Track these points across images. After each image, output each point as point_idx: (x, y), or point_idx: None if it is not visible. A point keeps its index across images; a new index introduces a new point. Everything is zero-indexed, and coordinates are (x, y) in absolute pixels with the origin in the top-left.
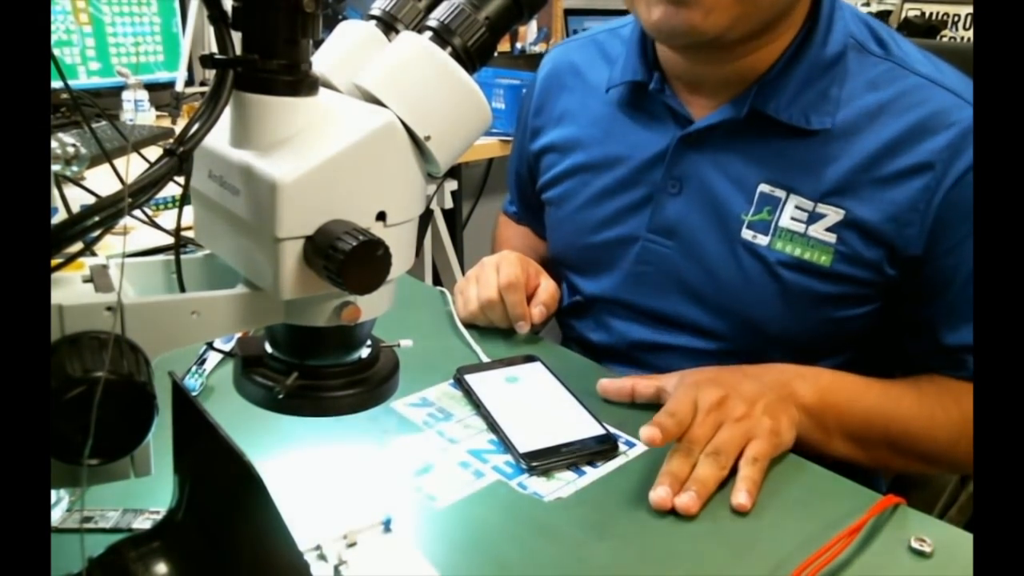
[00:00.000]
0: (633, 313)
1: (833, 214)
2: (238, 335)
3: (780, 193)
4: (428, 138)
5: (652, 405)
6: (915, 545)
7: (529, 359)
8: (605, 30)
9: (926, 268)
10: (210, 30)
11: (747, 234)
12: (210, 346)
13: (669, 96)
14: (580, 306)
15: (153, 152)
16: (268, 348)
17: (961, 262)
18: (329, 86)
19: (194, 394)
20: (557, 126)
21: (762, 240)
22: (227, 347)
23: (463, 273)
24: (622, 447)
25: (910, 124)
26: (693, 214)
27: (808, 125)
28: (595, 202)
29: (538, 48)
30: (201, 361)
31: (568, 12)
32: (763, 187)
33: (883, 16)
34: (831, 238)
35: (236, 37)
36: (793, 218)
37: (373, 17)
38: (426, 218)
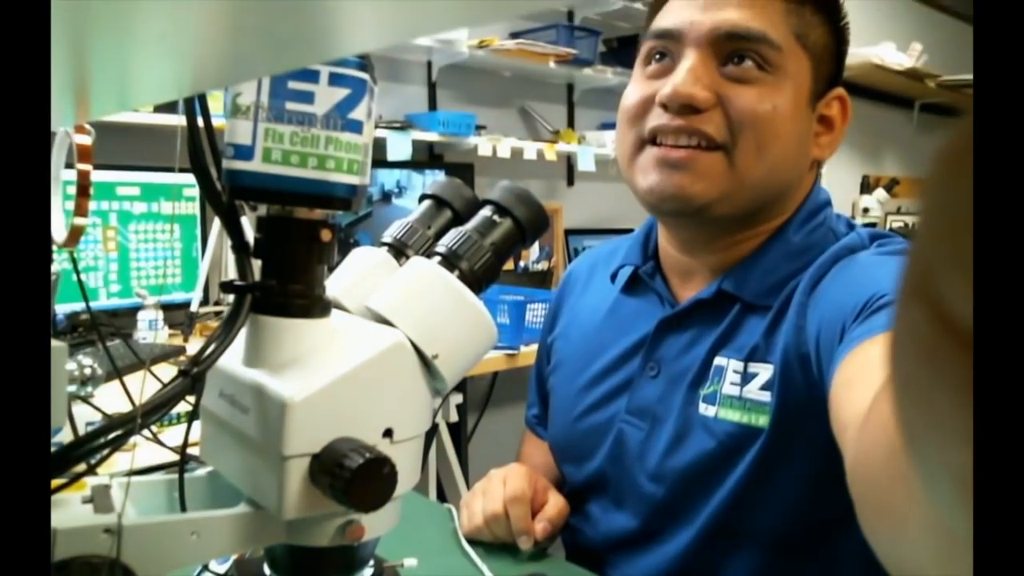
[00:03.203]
0: (610, 502)
1: (763, 372)
2: (235, 556)
3: (723, 361)
4: (436, 356)
5: None
6: None
7: None
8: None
9: (820, 338)
10: (227, 254)
11: (702, 407)
12: (205, 568)
13: (658, 282)
14: (570, 497)
15: (164, 369)
16: (267, 570)
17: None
18: (340, 307)
19: None
20: (567, 317)
21: (711, 412)
22: (222, 568)
23: (468, 487)
24: None
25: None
26: (665, 395)
27: (763, 302)
28: (584, 390)
29: (540, 266)
30: None
31: (568, 232)
32: (716, 360)
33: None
34: (765, 396)
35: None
36: (731, 382)
37: (385, 244)
38: (431, 432)
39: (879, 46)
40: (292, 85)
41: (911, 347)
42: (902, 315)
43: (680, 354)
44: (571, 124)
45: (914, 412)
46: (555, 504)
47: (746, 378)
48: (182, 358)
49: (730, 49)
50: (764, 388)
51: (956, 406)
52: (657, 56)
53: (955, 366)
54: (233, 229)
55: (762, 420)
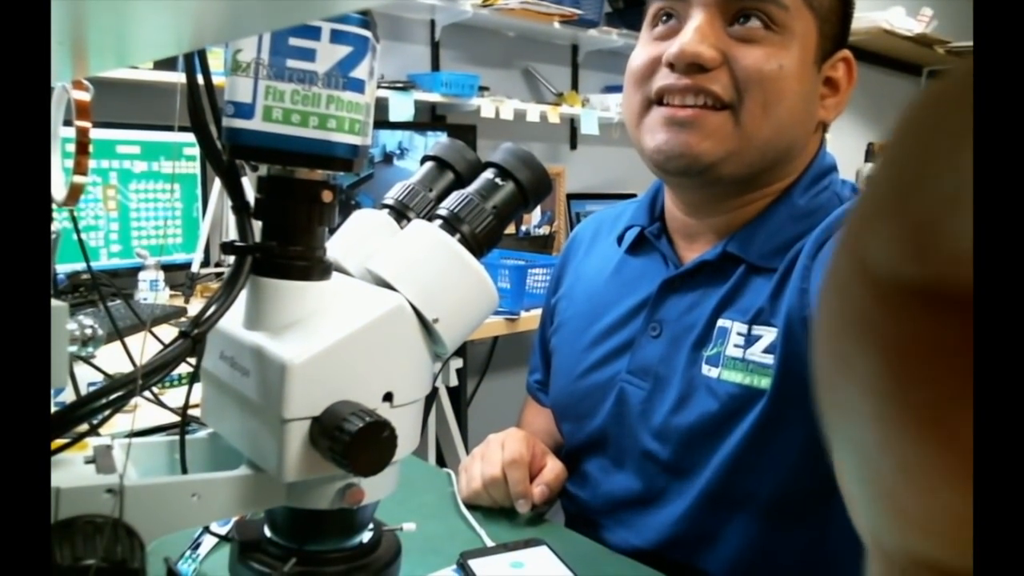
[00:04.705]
0: (610, 461)
1: (767, 335)
2: (236, 518)
3: (727, 323)
4: (436, 320)
5: None
6: None
7: (535, 543)
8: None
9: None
10: (228, 214)
11: (705, 368)
12: (206, 529)
13: (663, 243)
14: (568, 459)
15: (164, 330)
16: (267, 532)
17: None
18: (341, 270)
19: None
20: (571, 278)
21: (714, 373)
22: (223, 531)
23: (467, 452)
24: None
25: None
26: (668, 355)
27: (768, 264)
28: (586, 349)
29: (542, 231)
30: (195, 545)
31: (571, 196)
32: (720, 321)
33: None
34: (768, 359)
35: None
36: (735, 344)
37: (386, 206)
38: (431, 397)
39: (888, 11)
40: (293, 42)
41: (832, 295)
42: (831, 266)
43: (682, 315)
44: (575, 87)
45: (824, 357)
46: (553, 469)
47: (750, 340)
48: (183, 319)
49: (737, 8)
50: (767, 351)
51: (862, 354)
52: (664, 17)
53: (867, 315)
54: (233, 189)
55: (764, 382)
